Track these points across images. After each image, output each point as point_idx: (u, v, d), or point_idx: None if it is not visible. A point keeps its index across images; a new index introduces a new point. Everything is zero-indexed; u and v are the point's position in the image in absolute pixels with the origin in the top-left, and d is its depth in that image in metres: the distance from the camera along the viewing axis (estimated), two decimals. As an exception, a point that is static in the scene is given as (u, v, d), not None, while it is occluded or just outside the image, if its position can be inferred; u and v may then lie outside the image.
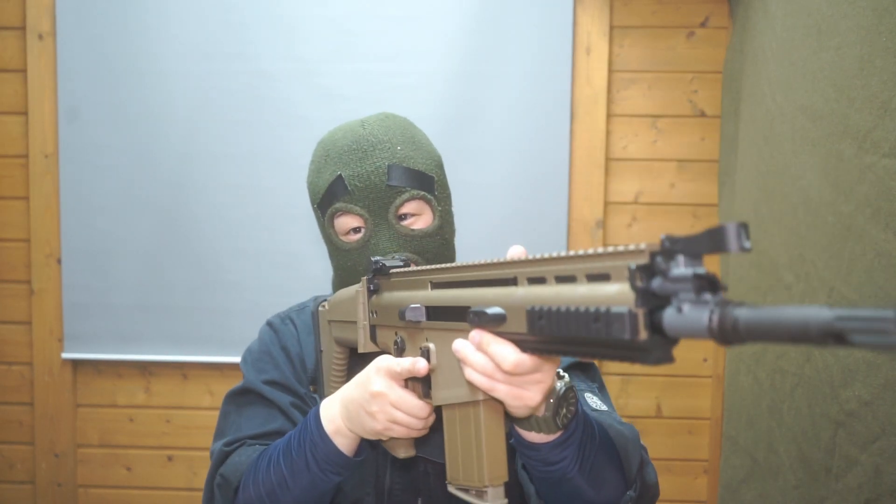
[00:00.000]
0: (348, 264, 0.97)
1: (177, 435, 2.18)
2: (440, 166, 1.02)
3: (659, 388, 2.15)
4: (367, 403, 0.77)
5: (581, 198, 2.09)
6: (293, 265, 2.07)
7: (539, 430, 0.71)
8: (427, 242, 0.97)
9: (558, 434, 0.72)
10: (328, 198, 0.96)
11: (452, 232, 1.04)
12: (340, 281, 1.00)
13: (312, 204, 1.01)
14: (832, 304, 1.21)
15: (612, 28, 2.08)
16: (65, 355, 2.13)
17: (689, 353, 2.14)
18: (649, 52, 2.09)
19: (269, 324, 1.08)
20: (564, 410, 0.70)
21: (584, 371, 0.99)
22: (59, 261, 2.11)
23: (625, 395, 2.15)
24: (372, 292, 0.88)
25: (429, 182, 0.97)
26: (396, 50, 2.05)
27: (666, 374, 2.14)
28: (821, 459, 1.25)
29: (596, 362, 1.04)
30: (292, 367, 1.03)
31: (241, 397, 1.02)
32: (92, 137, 2.07)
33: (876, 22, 1.08)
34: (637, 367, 2.14)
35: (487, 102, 2.04)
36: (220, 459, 0.96)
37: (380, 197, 0.94)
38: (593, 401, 0.92)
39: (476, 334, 0.65)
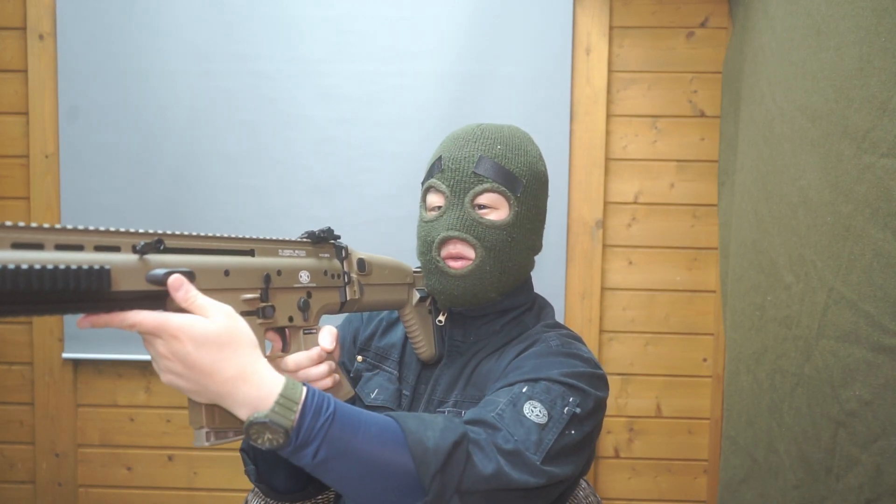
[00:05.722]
0: (422, 234, 1.07)
1: (177, 435, 2.18)
2: (538, 179, 1.08)
3: (659, 387, 2.15)
4: None
5: (581, 198, 2.10)
6: (293, 265, 2.07)
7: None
8: (492, 233, 1.04)
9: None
10: (428, 174, 1.08)
11: (526, 238, 1.08)
12: (418, 251, 1.10)
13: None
14: (831, 303, 1.21)
15: (611, 28, 2.08)
16: (65, 355, 2.13)
17: (690, 353, 2.14)
18: (649, 53, 2.09)
19: None
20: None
21: (569, 389, 0.95)
22: (59, 261, 2.11)
23: (625, 394, 2.15)
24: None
25: (514, 182, 1.04)
26: (396, 50, 2.05)
27: (666, 374, 2.14)
28: (821, 459, 1.25)
29: (594, 370, 1.03)
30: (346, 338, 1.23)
31: None
32: (93, 138, 2.08)
33: (875, 22, 1.09)
34: (637, 368, 2.15)
35: (487, 102, 2.04)
36: None
37: (463, 180, 1.04)
38: (533, 412, 0.90)
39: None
